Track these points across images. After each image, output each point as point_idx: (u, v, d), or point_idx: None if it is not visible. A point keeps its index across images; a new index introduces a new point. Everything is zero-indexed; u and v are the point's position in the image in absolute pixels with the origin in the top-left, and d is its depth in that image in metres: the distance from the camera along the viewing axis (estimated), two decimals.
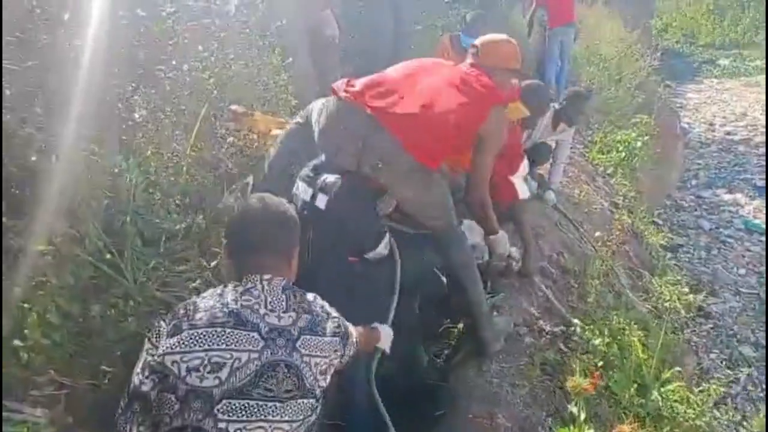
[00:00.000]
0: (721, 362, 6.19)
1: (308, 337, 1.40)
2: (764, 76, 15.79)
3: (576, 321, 2.85)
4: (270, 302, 1.39)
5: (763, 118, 12.87)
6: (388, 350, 2.12)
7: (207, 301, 1.38)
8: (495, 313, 2.81)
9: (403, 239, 2.68)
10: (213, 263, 2.09)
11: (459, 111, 2.33)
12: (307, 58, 4.01)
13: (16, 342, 1.51)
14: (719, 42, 18.72)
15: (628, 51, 9.15)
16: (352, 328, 1.62)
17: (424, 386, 2.72)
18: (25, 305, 1.57)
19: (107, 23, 1.96)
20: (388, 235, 2.40)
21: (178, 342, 1.30)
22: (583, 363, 2.58)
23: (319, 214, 2.29)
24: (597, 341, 2.70)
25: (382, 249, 2.38)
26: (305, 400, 1.37)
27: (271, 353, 1.33)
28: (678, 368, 2.79)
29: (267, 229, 1.48)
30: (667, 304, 4.16)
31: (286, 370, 1.34)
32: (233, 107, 2.95)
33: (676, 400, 2.70)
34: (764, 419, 2.78)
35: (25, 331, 1.53)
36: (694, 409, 2.67)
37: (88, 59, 1.97)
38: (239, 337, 1.31)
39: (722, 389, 4.96)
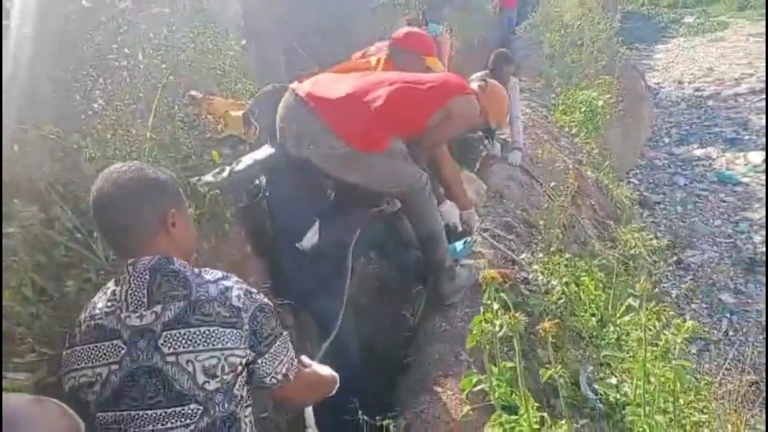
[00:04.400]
0: (703, 311, 6.45)
1: (176, 331, 1.21)
2: (729, 30, 16.14)
3: (535, 267, 3.00)
4: (131, 302, 1.24)
5: (730, 71, 13.19)
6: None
7: (89, 309, 1.31)
8: (458, 267, 2.96)
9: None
10: None
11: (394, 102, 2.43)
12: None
13: None
14: (683, 1, 19.01)
15: (588, 15, 9.28)
16: (286, 347, 1.37)
17: (395, 339, 2.89)
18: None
19: (56, 15, 2.06)
20: (317, 223, 2.53)
21: (63, 359, 1.31)
22: (542, 302, 2.74)
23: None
24: (555, 282, 2.86)
25: (310, 238, 2.50)
26: (180, 408, 1.19)
27: (131, 360, 1.21)
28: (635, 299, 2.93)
29: (117, 205, 1.28)
30: (632, 251, 4.33)
31: (147, 376, 1.20)
32: (192, 92, 3.05)
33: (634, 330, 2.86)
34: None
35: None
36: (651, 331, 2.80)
37: (39, 51, 2.08)
38: (101, 351, 1.23)
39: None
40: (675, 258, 7.17)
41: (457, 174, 2.94)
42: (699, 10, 18.11)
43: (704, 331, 5.81)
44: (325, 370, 1.62)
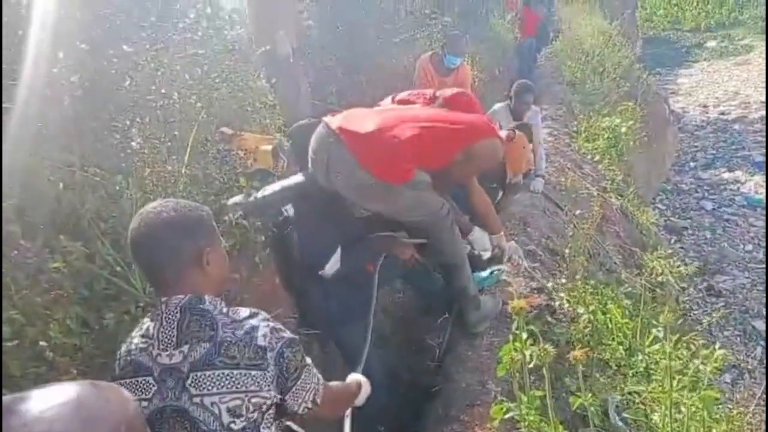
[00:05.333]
0: (736, 338, 6.29)
1: (201, 373, 1.24)
2: (754, 54, 16.01)
3: (561, 294, 3.00)
4: (162, 340, 1.28)
5: (756, 94, 13.04)
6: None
7: (126, 344, 1.34)
8: (483, 295, 2.98)
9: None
10: None
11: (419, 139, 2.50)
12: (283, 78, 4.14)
13: (42, 343, 1.71)
14: (705, 25, 18.93)
15: (609, 42, 9.33)
16: (312, 375, 1.41)
17: (421, 368, 2.91)
18: (47, 312, 1.78)
19: (99, 60, 2.19)
20: (339, 251, 2.51)
21: None
22: (568, 332, 2.74)
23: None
24: (582, 310, 2.85)
25: (332, 266, 2.50)
26: None
27: (161, 398, 1.26)
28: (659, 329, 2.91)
29: (152, 246, 1.31)
30: (660, 278, 4.29)
31: (175, 415, 1.25)
32: (223, 129, 3.18)
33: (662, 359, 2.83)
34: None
35: (50, 333, 1.72)
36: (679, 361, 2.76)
37: (83, 95, 2.22)
38: (135, 387, 1.27)
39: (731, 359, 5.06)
40: (705, 284, 7.03)
41: (486, 199, 2.98)
42: (722, 34, 17.99)
43: (737, 360, 5.67)
44: (350, 379, 1.70)
